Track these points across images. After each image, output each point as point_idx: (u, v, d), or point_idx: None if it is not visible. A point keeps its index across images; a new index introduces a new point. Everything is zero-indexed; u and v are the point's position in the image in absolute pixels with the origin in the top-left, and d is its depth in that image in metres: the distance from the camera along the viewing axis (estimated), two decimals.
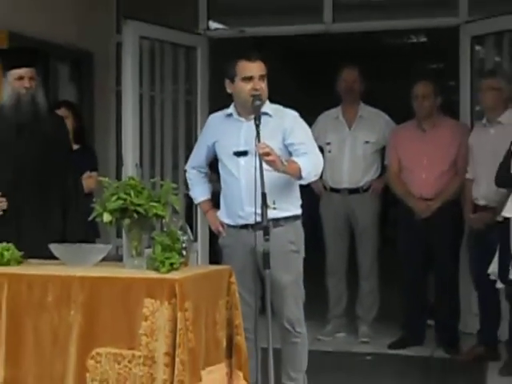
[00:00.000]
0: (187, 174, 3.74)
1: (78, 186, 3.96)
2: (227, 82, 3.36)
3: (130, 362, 2.61)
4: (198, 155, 3.60)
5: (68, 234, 3.64)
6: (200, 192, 3.59)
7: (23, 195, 3.68)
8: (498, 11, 4.89)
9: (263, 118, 3.13)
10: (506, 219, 3.79)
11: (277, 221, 3.18)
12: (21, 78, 3.63)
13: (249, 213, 3.14)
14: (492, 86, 4.17)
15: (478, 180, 4.22)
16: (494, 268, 3.87)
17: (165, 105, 5.38)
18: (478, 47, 5.24)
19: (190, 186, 3.76)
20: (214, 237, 4.40)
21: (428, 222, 4.54)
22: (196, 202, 3.73)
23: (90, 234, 3.90)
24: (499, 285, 3.89)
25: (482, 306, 4.48)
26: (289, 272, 3.38)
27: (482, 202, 4.19)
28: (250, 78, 3.23)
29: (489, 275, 3.95)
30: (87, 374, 2.69)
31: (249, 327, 3.32)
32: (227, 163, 3.36)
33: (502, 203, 3.93)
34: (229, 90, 3.41)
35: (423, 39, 8.43)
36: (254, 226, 3.04)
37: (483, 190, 4.12)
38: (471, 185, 4.31)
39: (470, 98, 5.05)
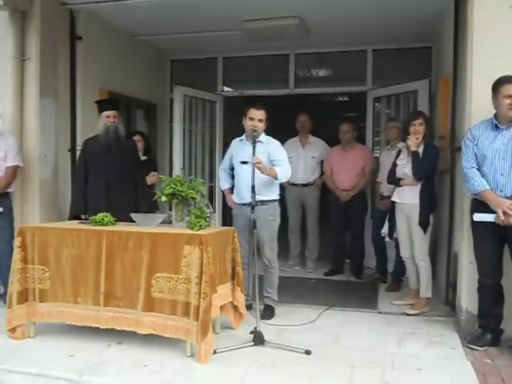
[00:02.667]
0: (219, 172, 4.64)
1: (143, 179, 4.71)
2: (243, 117, 4.14)
3: (176, 281, 3.30)
4: (225, 162, 4.46)
5: (137, 207, 4.34)
6: (225, 183, 4.49)
7: (111, 186, 4.40)
8: (388, 83, 6.04)
9: (258, 144, 3.87)
10: (393, 202, 4.51)
11: (262, 202, 3.99)
12: (108, 116, 4.45)
13: (246, 196, 3.90)
14: (394, 126, 5.22)
15: (384, 181, 5.07)
16: (384, 230, 4.72)
17: (197, 134, 6.54)
18: (376, 104, 6.29)
19: (219, 179, 4.58)
20: (227, 210, 5.20)
21: (347, 203, 5.60)
22: (222, 189, 4.59)
23: (151, 207, 4.53)
24: (387, 239, 4.78)
25: (376, 251, 5.48)
26: (268, 231, 4.12)
27: (386, 194, 5.12)
28: (252, 119, 4.05)
29: (381, 234, 4.79)
30: (151, 288, 3.34)
31: (245, 262, 3.97)
32: (237, 167, 4.22)
33: None
34: (243, 123, 4.16)
35: (346, 98, 10.12)
36: (248, 204, 3.73)
37: (386, 186, 5.06)
38: (379, 184, 5.35)
39: (371, 133, 6.26)
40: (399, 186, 4.38)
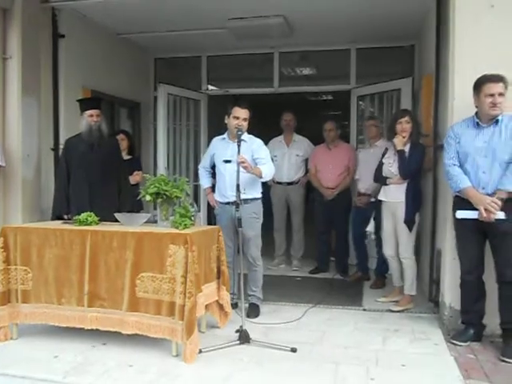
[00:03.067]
0: (199, 171, 4.54)
1: (126, 178, 4.65)
2: (226, 116, 4.09)
3: (161, 281, 3.26)
4: (205, 160, 4.41)
5: (120, 206, 4.29)
6: (206, 182, 4.45)
7: (93, 185, 4.33)
8: (372, 82, 6.06)
9: (242, 142, 3.85)
10: (379, 200, 4.53)
11: (245, 200, 3.98)
12: (91, 115, 4.37)
13: (230, 195, 3.91)
14: (373, 124, 5.23)
15: (361, 178, 5.22)
16: (370, 228, 4.79)
17: (182, 133, 6.48)
18: (360, 102, 6.30)
19: (200, 177, 4.50)
20: (210, 209, 5.08)
21: (331, 201, 5.60)
22: (203, 187, 4.55)
23: (134, 206, 4.48)
24: (373, 237, 4.86)
25: (357, 249, 5.51)
26: (252, 230, 4.11)
27: (362, 191, 5.23)
28: (237, 118, 4.02)
29: (365, 232, 4.91)
30: (136, 288, 3.31)
31: (230, 261, 3.96)
32: (219, 166, 4.19)
33: (375, 192, 4.80)
34: (226, 121, 4.11)
35: (330, 97, 10.10)
36: (232, 203, 3.75)
37: (364, 184, 5.15)
38: (358, 181, 5.40)
39: (355, 131, 6.30)
40: (385, 184, 4.40)
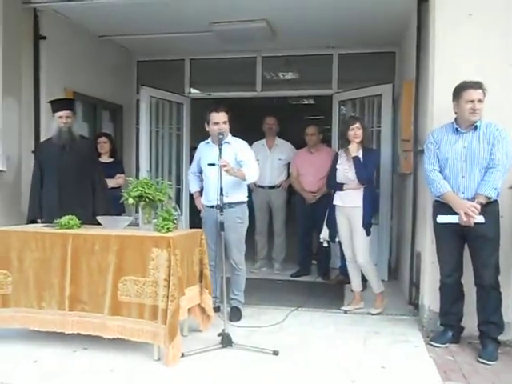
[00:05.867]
0: (188, 176, 4.58)
1: (102, 180, 4.49)
2: (206, 124, 4.11)
3: (143, 284, 3.25)
4: (193, 165, 4.45)
5: (96, 208, 4.22)
6: (193, 186, 4.47)
7: (65, 187, 4.24)
8: (353, 87, 6.08)
9: (225, 145, 3.85)
10: (334, 205, 4.48)
11: (230, 204, 3.98)
12: (61, 117, 4.29)
13: (214, 198, 3.82)
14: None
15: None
16: (324, 235, 4.74)
17: (164, 136, 6.44)
18: (342, 107, 6.32)
19: (189, 182, 4.53)
20: (195, 213, 5.08)
21: (313, 205, 5.63)
22: (191, 192, 4.55)
23: (109, 208, 4.33)
24: (325, 244, 4.81)
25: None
26: (235, 233, 4.11)
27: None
28: (217, 123, 4.03)
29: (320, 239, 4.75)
30: (118, 292, 3.28)
31: (212, 264, 3.97)
32: (205, 170, 4.20)
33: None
34: (207, 129, 4.14)
35: (312, 101, 10.13)
36: (216, 207, 3.70)
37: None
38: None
39: (337, 135, 6.15)
40: (341, 190, 4.42)
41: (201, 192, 4.42)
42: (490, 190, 3.33)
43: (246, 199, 4.24)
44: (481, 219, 3.30)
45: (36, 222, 4.16)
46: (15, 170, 4.90)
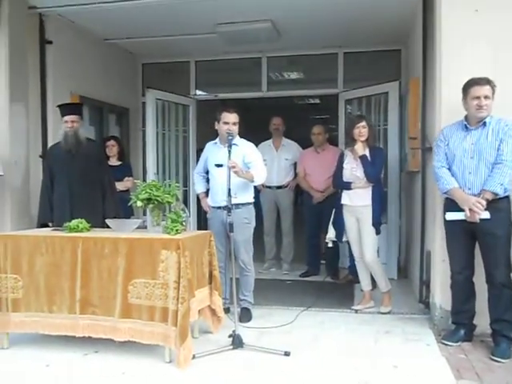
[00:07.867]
0: (194, 177, 4.56)
1: (111, 183, 4.52)
2: (216, 122, 4.10)
3: (153, 286, 3.25)
4: (199, 166, 4.43)
5: (105, 212, 4.24)
6: (200, 187, 4.46)
7: (74, 192, 4.28)
8: (359, 86, 6.05)
9: (233, 146, 3.82)
10: (341, 204, 4.48)
11: (237, 205, 3.96)
12: (66, 121, 4.33)
13: (222, 199, 3.88)
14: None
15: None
16: (330, 235, 4.70)
17: (171, 138, 6.44)
18: (348, 106, 6.29)
19: (195, 183, 4.50)
20: (202, 214, 5.15)
21: (320, 204, 5.61)
22: (197, 192, 4.53)
23: (119, 211, 4.40)
24: (330, 244, 4.76)
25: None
26: (242, 235, 4.09)
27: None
28: (227, 123, 4.03)
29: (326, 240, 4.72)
30: (128, 294, 3.29)
31: (221, 265, 3.98)
32: (212, 170, 4.20)
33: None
34: (216, 127, 4.12)
35: (318, 101, 10.11)
36: (224, 208, 3.74)
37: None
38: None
39: (344, 135, 5.96)
40: (349, 189, 4.40)
41: (206, 193, 4.41)
42: (496, 186, 3.29)
43: (252, 200, 4.25)
44: (486, 215, 3.27)
45: (47, 226, 4.17)
46: (23, 174, 4.93)
